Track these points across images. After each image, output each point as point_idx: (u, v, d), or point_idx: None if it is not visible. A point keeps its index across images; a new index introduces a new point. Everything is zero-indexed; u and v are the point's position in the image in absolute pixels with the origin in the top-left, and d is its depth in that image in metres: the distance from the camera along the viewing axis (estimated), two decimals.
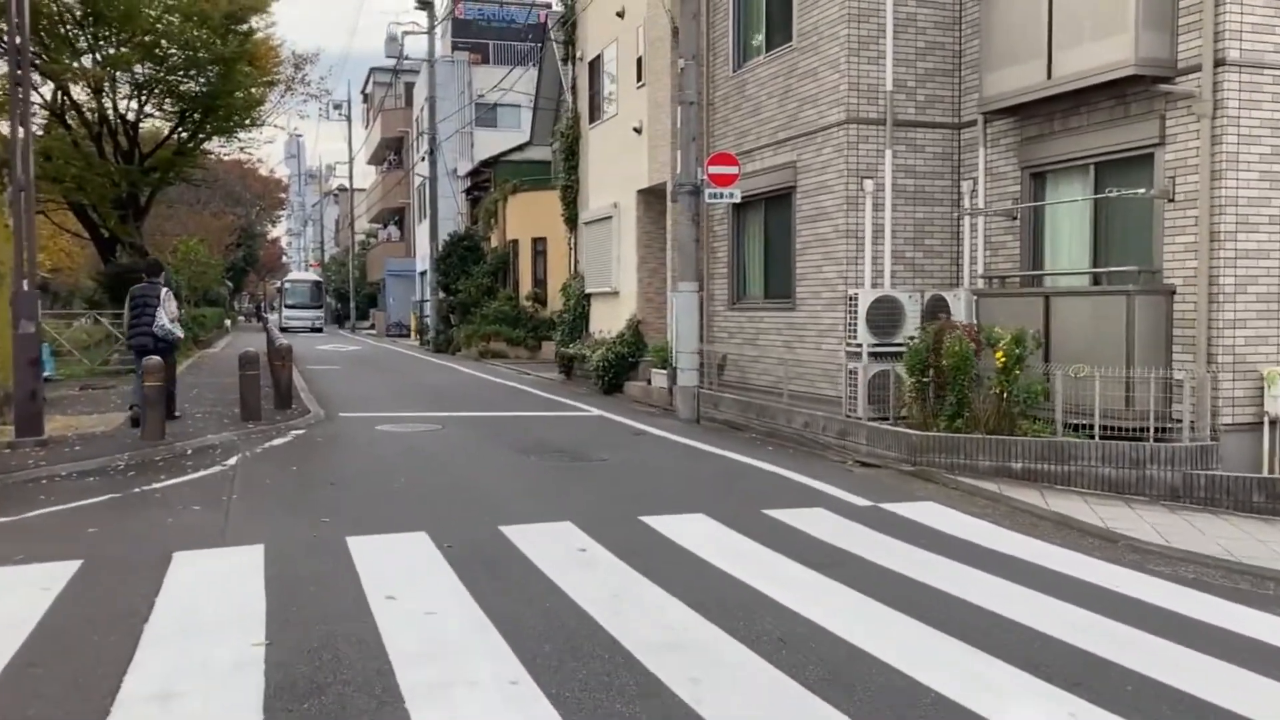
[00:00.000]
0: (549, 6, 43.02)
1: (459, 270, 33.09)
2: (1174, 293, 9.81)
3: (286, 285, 62.11)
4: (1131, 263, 10.33)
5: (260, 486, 8.86)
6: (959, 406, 10.19)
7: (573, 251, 22.10)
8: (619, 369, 18.07)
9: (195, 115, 25.11)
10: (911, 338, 11.00)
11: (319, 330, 54.36)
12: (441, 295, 34.63)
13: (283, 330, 43.74)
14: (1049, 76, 10.67)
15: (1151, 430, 9.31)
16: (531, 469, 9.80)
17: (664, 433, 12.79)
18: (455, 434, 12.37)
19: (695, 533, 7.22)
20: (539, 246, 30.73)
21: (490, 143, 40.05)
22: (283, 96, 30.72)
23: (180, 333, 12.61)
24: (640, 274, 18.35)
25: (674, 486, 9.01)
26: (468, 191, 39.59)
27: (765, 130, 14.08)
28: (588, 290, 20.75)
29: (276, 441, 11.37)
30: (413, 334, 44.68)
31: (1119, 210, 10.60)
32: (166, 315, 11.90)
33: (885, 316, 11.91)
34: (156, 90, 24.16)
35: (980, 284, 12.21)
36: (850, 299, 11.97)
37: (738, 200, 13.37)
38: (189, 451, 10.59)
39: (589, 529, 7.19)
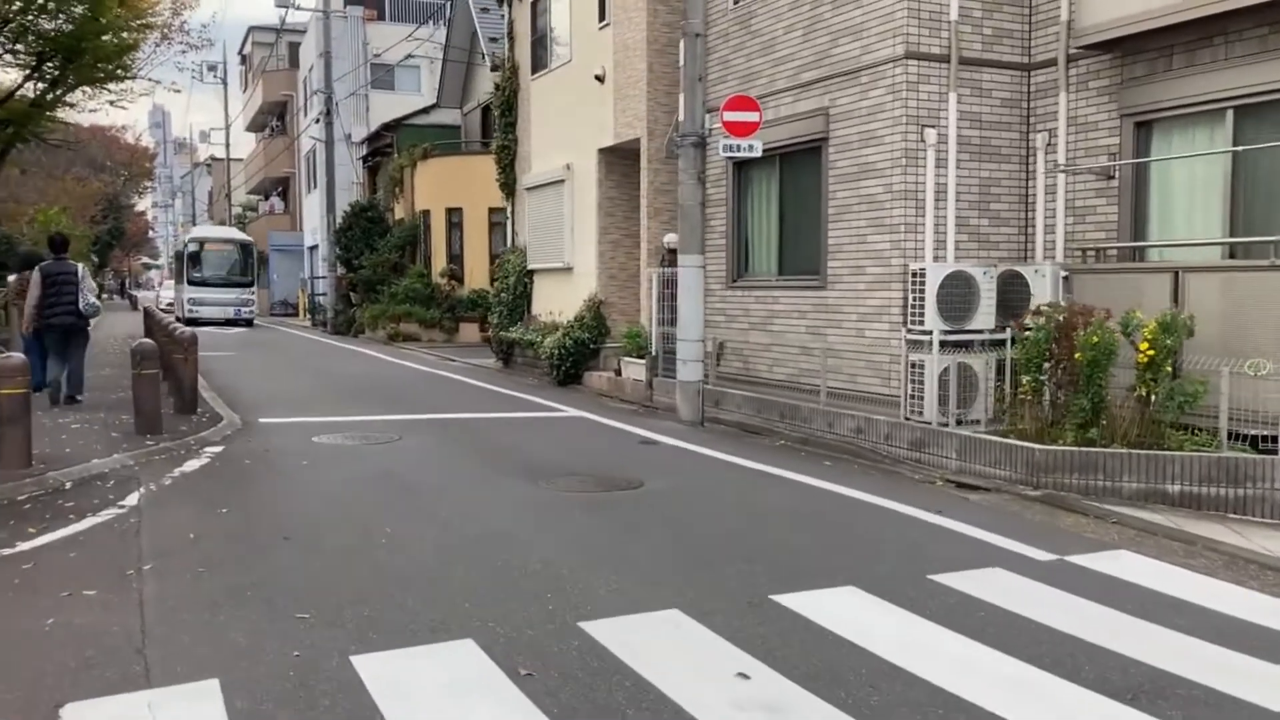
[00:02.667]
0: None
1: (362, 244, 29.88)
2: None
3: (191, 247, 36.83)
4: None
5: (182, 547, 6.09)
6: (1094, 413, 8.00)
7: (510, 222, 19.35)
8: (578, 357, 15.50)
9: (55, 60, 21.34)
10: (1024, 325, 8.76)
11: (249, 323, 34.73)
12: (341, 271, 31.32)
13: (188, 322, 28.65)
14: None
15: None
16: (558, 507, 7.23)
17: (677, 440, 10.32)
18: (420, 448, 9.66)
19: (868, 624, 4.82)
20: (454, 218, 27.83)
21: (388, 107, 36.69)
22: (158, 45, 26.91)
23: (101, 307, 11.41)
24: (601, 247, 15.77)
25: (771, 533, 6.57)
26: (365, 159, 36.19)
27: (782, 71, 11.66)
28: (531, 266, 18.06)
29: (189, 466, 8.49)
30: (301, 313, 41.07)
31: (1266, 166, 8.55)
32: (90, 292, 11.44)
33: (959, 297, 9.67)
34: (7, 29, 20.36)
35: (1061, 257, 10.08)
36: (914, 275, 9.68)
37: (758, 154, 10.95)
38: (67, 485, 7.67)
39: (713, 623, 4.72)
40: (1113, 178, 9.72)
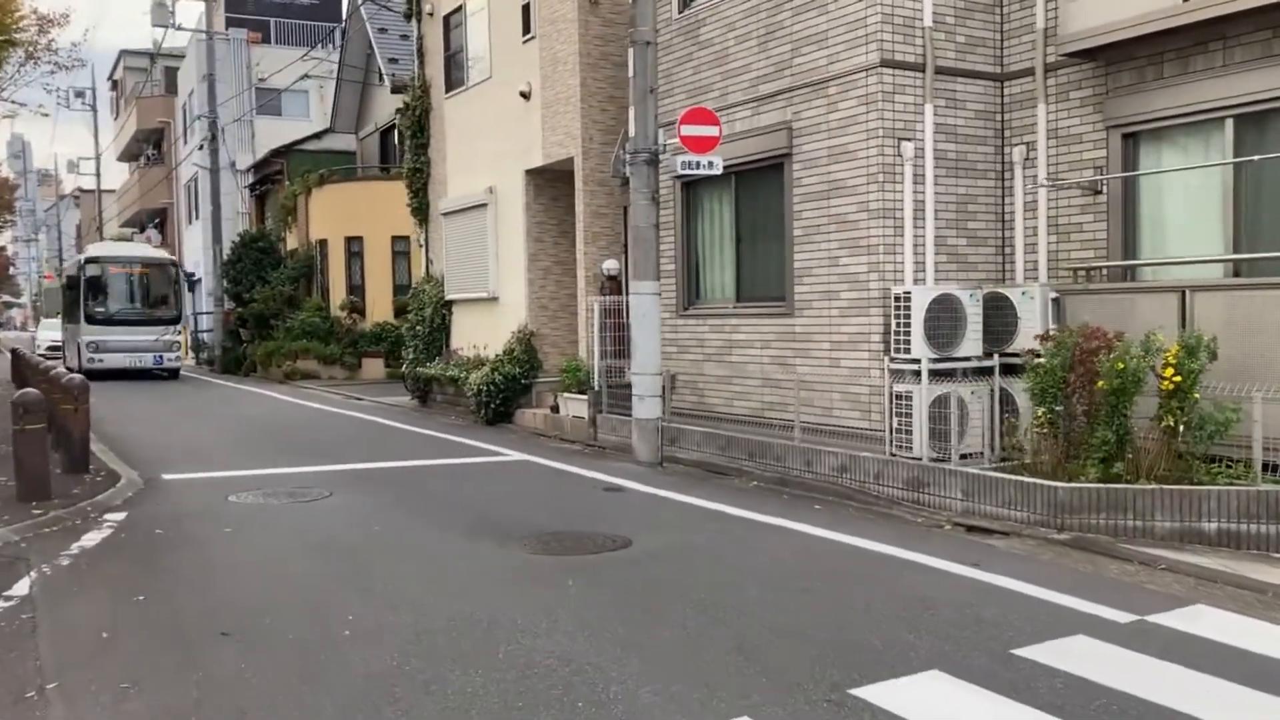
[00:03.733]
0: None
1: (253, 276, 28.10)
2: None
3: (89, 271, 26.33)
4: None
5: (94, 653, 4.86)
6: (1119, 446, 7.32)
7: (424, 250, 18.15)
8: (509, 394, 14.41)
9: None
10: (1035, 351, 8.07)
11: (174, 374, 25.99)
12: (230, 305, 29.46)
13: (87, 374, 15.53)
14: None
15: None
16: (545, 575, 6.17)
17: (642, 485, 9.36)
18: (357, 506, 8.47)
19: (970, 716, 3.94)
20: (354, 247, 26.37)
21: (276, 133, 34.89)
22: (23, 65, 24.94)
23: None
24: (531, 274, 14.74)
25: (810, 603, 5.63)
26: (252, 187, 34.33)
27: (736, 84, 10.88)
28: (450, 296, 16.90)
29: (89, 539, 7.14)
30: (185, 351, 38.66)
31: (1274, 177, 8.07)
32: None
33: (946, 322, 8.99)
34: None
35: (1044, 278, 9.49)
36: (899, 299, 8.97)
37: (719, 171, 10.11)
38: None
39: None
40: (1100, 193, 9.17)
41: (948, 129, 9.61)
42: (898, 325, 9.05)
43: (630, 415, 11.88)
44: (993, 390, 8.82)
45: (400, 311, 24.66)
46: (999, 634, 5.00)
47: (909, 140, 9.39)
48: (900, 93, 9.36)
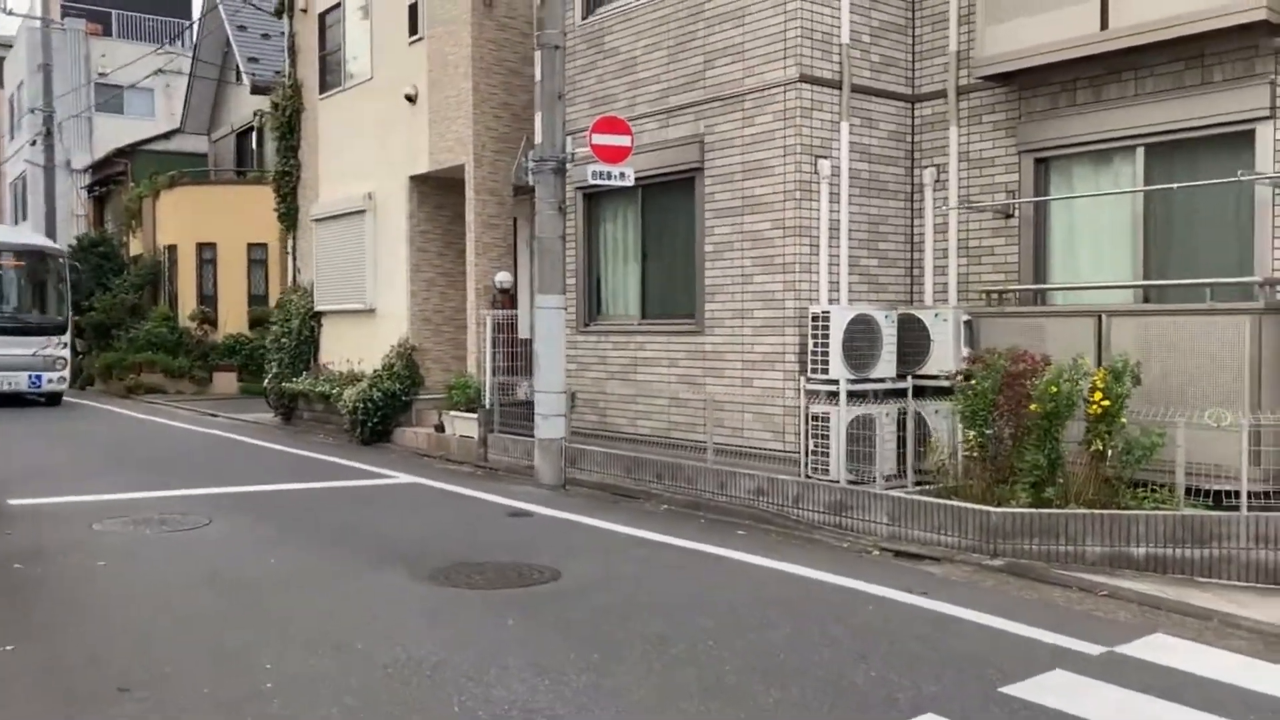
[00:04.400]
0: None
1: (93, 283, 26.19)
2: None
3: None
4: (1204, 272, 7.99)
5: None
6: (1050, 470, 7.27)
7: (291, 258, 17.17)
8: (388, 412, 13.66)
9: None
10: (959, 373, 7.97)
11: (56, 399, 20.35)
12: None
13: None
14: (1104, 26, 8.11)
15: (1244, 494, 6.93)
16: (478, 614, 5.64)
17: (550, 509, 8.87)
18: (243, 534, 7.71)
19: None
20: (207, 254, 24.90)
21: (117, 131, 32.79)
22: None
23: None
24: (414, 286, 14.04)
25: (770, 639, 5.27)
26: (91, 188, 32.16)
27: (644, 95, 10.56)
28: (320, 308, 15.99)
29: None
30: None
31: (1183, 205, 8.24)
32: None
33: (863, 343, 8.89)
34: None
35: (954, 300, 9.49)
36: (816, 319, 8.83)
37: (630, 182, 9.75)
38: None
39: None
40: (1011, 216, 9.22)
41: (861, 148, 9.52)
42: (815, 345, 8.89)
43: (523, 435, 11.43)
44: (905, 413, 8.73)
45: (257, 323, 23.39)
46: (979, 671, 4.75)
47: (825, 158, 9.24)
48: (818, 109, 9.21)
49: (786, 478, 8.69)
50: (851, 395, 8.78)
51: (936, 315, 9.14)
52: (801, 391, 8.92)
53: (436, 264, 14.04)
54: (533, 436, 11.52)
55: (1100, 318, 8.14)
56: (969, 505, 7.36)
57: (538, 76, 9.97)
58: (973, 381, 7.54)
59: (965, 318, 9.05)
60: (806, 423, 8.89)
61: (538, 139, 10.01)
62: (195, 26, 27.89)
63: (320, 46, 16.07)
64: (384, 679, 4.50)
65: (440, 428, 12.97)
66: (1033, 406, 7.25)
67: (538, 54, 9.97)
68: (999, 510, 7.19)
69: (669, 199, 10.40)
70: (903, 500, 7.78)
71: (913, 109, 9.90)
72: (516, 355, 12.37)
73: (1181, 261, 8.25)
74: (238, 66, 25.46)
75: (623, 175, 9.63)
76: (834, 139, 9.31)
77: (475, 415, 12.23)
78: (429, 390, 13.79)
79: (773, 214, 9.28)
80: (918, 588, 6.25)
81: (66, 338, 20.32)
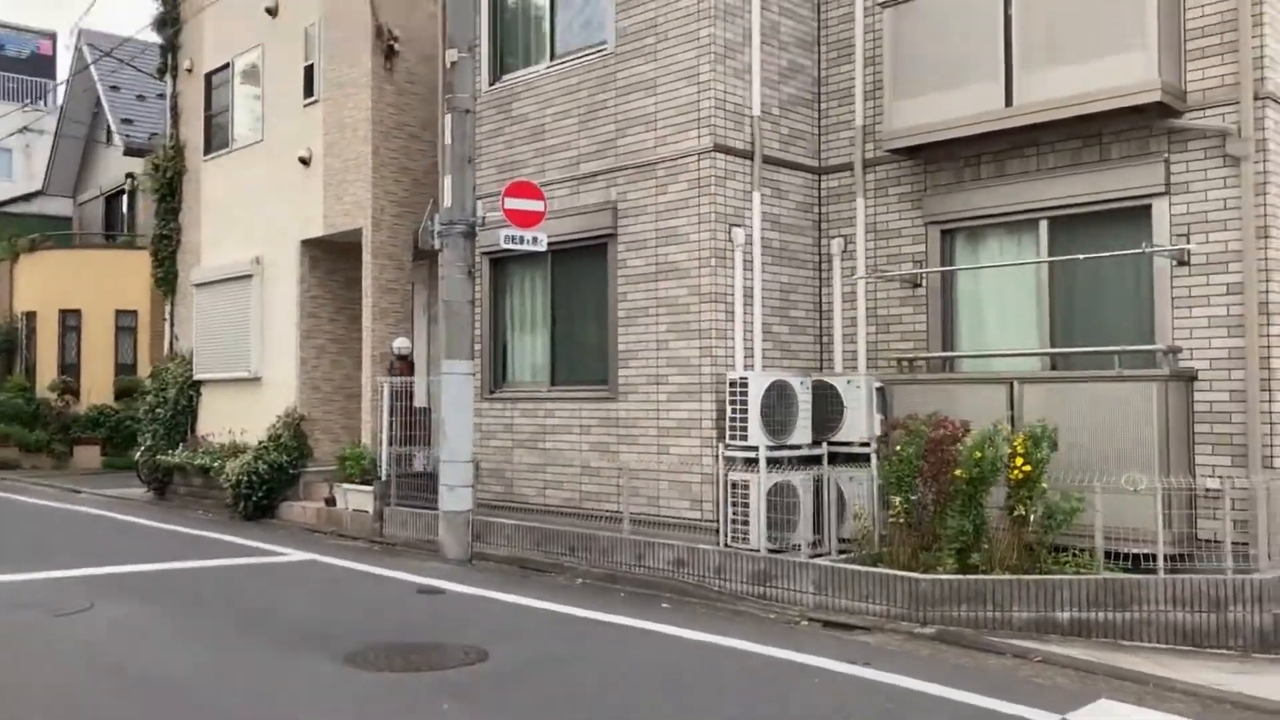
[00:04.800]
0: (53, 36, 35.25)
1: None
2: (1194, 378, 7.81)
3: None
4: (1108, 340, 8.25)
5: None
6: (976, 536, 7.30)
7: (168, 325, 16.37)
8: (274, 485, 13.02)
9: None
10: (880, 438, 7.98)
11: None
12: None
13: None
14: (1009, 104, 8.40)
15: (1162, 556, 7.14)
16: (415, 704, 5.25)
17: (459, 585, 8.48)
18: (135, 620, 7.11)
19: None
20: (70, 321, 23.59)
21: None
22: None
23: None
24: (303, 353, 13.52)
25: None
26: None
27: (554, 161, 10.47)
28: (200, 376, 15.25)
29: None
30: None
31: (1087, 275, 8.52)
32: None
33: (781, 409, 8.88)
34: None
35: (863, 368, 9.57)
36: (734, 384, 8.78)
37: (543, 248, 9.59)
38: None
39: None
40: (919, 286, 9.39)
41: (772, 217, 9.60)
42: (733, 412, 8.82)
43: (423, 508, 11.05)
44: (821, 479, 8.71)
45: (124, 393, 22.21)
46: None
47: (739, 226, 9.28)
48: (731, 178, 9.27)
49: (707, 547, 8.54)
50: (769, 462, 8.72)
51: (849, 382, 9.19)
52: (720, 458, 8.82)
53: (327, 330, 13.58)
54: (433, 509, 11.13)
55: (1012, 385, 8.29)
56: (897, 573, 7.32)
57: (447, 140, 9.78)
58: (897, 448, 7.55)
59: (877, 384, 9.12)
60: (725, 490, 8.77)
61: (446, 202, 9.78)
62: (63, 86, 26.78)
63: (206, 107, 15.54)
64: None
65: (331, 501, 12.40)
66: (958, 472, 7.30)
67: (447, 117, 9.78)
68: (927, 578, 7.16)
69: (580, 264, 10.28)
70: (828, 569, 7.70)
71: (819, 180, 10.07)
72: (414, 424, 11.96)
73: (1085, 330, 8.50)
74: (109, 127, 24.53)
75: (535, 240, 9.47)
76: (746, 208, 9.37)
77: (371, 488, 11.74)
78: (318, 462, 13.23)
79: (688, 280, 9.24)
80: (859, 658, 6.13)
81: None
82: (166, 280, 16.26)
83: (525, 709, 5.09)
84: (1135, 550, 7.33)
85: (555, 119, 10.49)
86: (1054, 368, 8.61)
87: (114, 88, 24.36)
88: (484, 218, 9.73)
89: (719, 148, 9.17)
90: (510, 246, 9.46)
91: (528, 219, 9.42)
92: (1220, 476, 7.48)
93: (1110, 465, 7.55)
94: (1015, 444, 7.36)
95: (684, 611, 7.61)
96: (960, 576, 7.13)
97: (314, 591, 8.41)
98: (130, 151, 22.72)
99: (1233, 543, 7.11)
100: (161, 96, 23.61)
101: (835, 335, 9.89)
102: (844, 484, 8.79)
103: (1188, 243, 7.87)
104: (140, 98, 24.54)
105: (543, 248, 9.57)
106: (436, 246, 10.11)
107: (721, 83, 9.22)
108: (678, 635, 6.77)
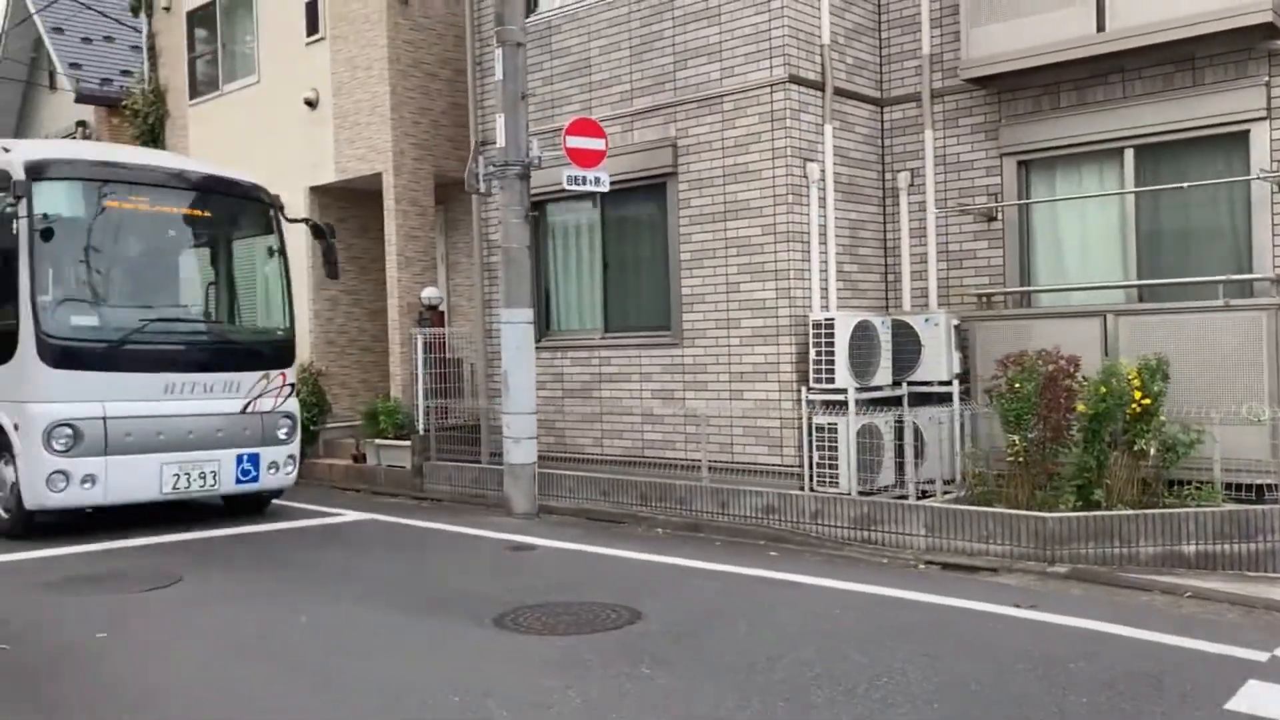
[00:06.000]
0: None
1: None
2: None
3: (43, 195, 8.42)
4: (1200, 271, 8.15)
5: None
6: (1099, 471, 7.17)
7: None
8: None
9: None
10: (995, 376, 7.78)
11: (260, 506, 9.97)
12: None
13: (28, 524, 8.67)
14: (1100, 29, 8.17)
15: None
16: (608, 672, 4.94)
17: (548, 540, 8.16)
18: (238, 592, 6.70)
19: None
20: None
21: None
22: None
23: None
24: (317, 306, 12.96)
25: (953, 679, 4.80)
26: None
27: (602, 98, 10.02)
28: None
29: None
30: None
31: (1175, 205, 8.38)
32: None
33: (865, 350, 8.68)
34: None
35: (934, 305, 9.38)
36: (820, 326, 8.54)
37: (605, 188, 9.17)
38: None
39: None
40: (994, 219, 9.19)
41: (841, 151, 9.30)
42: (817, 354, 8.58)
43: (466, 462, 10.75)
44: (903, 420, 8.55)
45: None
46: (1187, 691, 4.47)
47: (813, 161, 8.97)
48: (804, 111, 8.93)
49: (801, 493, 8.33)
50: (863, 404, 8.54)
51: (927, 320, 8.99)
52: (804, 402, 8.58)
53: (350, 281, 12.99)
54: (477, 463, 10.85)
55: (1105, 317, 8.17)
56: (1021, 512, 7.18)
57: (498, 75, 9.26)
58: (1015, 384, 7.37)
59: (955, 322, 8.94)
60: (810, 435, 8.55)
61: (500, 142, 9.30)
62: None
63: (189, 49, 14.67)
64: None
65: (360, 457, 11.95)
66: (1079, 407, 7.15)
67: (498, 52, 9.25)
68: (1055, 515, 7.03)
69: (635, 206, 9.89)
70: (943, 510, 7.54)
71: (882, 112, 9.77)
72: (448, 376, 11.53)
73: (1174, 262, 8.38)
74: (52, 71, 23.14)
75: (598, 180, 9.05)
76: (819, 141, 9.05)
77: (406, 443, 11.30)
78: (337, 418, 12.73)
79: (762, 219, 8.91)
80: (1021, 601, 5.97)
81: (293, 372, 9.94)
82: None
83: (722, 669, 4.82)
84: (1252, 481, 7.29)
85: (603, 52, 10.01)
86: (1140, 300, 8.50)
87: (57, 29, 22.94)
88: (540, 158, 9.26)
89: (793, 79, 8.81)
90: (572, 188, 9.02)
91: (590, 158, 8.99)
92: None
93: (1215, 397, 7.48)
94: (1132, 378, 7.24)
95: (796, 559, 7.41)
96: (1088, 514, 7.01)
97: (398, 551, 8.02)
98: (83, 99, 21.49)
99: None
100: (110, 39, 22.48)
101: (903, 272, 9.66)
102: (923, 425, 8.63)
103: None
104: (87, 40, 23.19)
105: (605, 188, 9.16)
106: (483, 190, 9.65)
107: (794, 10, 8.84)
108: (820, 584, 6.52)
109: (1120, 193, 8.56)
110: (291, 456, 9.62)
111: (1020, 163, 9.08)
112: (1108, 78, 8.53)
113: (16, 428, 8.33)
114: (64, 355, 8.35)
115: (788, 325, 8.80)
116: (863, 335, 8.61)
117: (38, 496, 8.24)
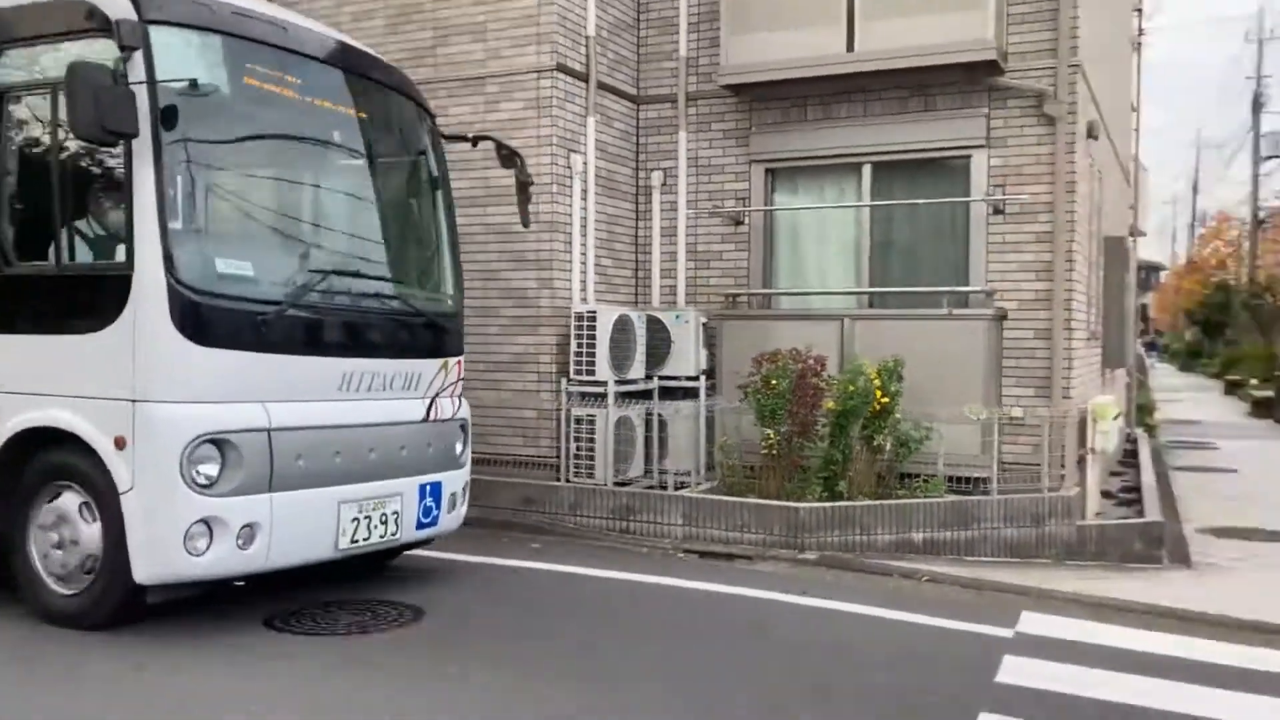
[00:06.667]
0: None
1: None
2: (1005, 318, 8.61)
3: (165, 57, 5.01)
4: (925, 281, 8.92)
5: None
6: (843, 465, 7.65)
7: None
8: None
9: None
10: (750, 372, 8.03)
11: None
12: None
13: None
14: (850, 49, 8.71)
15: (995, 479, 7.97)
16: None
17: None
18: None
19: None
20: None
21: None
22: None
23: None
24: None
25: (741, 662, 4.94)
26: None
27: None
28: None
29: None
30: None
31: (907, 219, 9.11)
32: None
33: (623, 344, 8.83)
34: None
35: (683, 303, 9.66)
36: (582, 318, 8.58)
37: None
38: None
39: None
40: (742, 223, 9.58)
41: (601, 145, 9.35)
42: (579, 346, 8.58)
43: None
44: (652, 413, 8.77)
45: None
46: (958, 666, 4.87)
47: (576, 152, 8.96)
48: (570, 101, 8.91)
49: (560, 484, 8.30)
50: (620, 396, 8.63)
51: (678, 317, 9.22)
52: (564, 394, 8.56)
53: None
54: None
55: (843, 321, 8.73)
56: (774, 503, 7.52)
57: None
58: (771, 381, 7.69)
59: (704, 320, 9.25)
60: (568, 426, 8.55)
61: None
62: None
63: None
64: None
65: None
66: (829, 404, 7.59)
67: None
68: (806, 506, 7.43)
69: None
70: (700, 500, 7.77)
71: (638, 110, 9.92)
72: None
73: (904, 271, 9.09)
74: None
75: None
76: (582, 133, 9.05)
77: None
78: None
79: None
80: (791, 588, 6.28)
81: (457, 362, 6.74)
82: None
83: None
84: (969, 474, 8.04)
85: (355, 19, 9.50)
86: (871, 306, 9.14)
87: None
88: None
89: (560, 67, 8.75)
90: None
91: None
92: (1024, 407, 8.35)
93: (934, 398, 8.16)
94: (872, 378, 7.78)
95: (559, 550, 7.39)
96: (834, 504, 7.46)
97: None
98: None
99: (1034, 466, 7.99)
100: None
101: (653, 269, 9.85)
102: (670, 418, 8.88)
103: (1003, 193, 8.61)
104: None
105: None
106: None
107: None
108: (589, 574, 6.56)
109: (857, 205, 9.16)
110: (467, 485, 6.66)
111: (768, 170, 9.51)
112: (852, 96, 9.10)
113: (120, 444, 4.91)
114: (213, 322, 5.01)
115: (549, 316, 8.74)
116: (622, 329, 8.69)
117: (166, 562, 4.88)
